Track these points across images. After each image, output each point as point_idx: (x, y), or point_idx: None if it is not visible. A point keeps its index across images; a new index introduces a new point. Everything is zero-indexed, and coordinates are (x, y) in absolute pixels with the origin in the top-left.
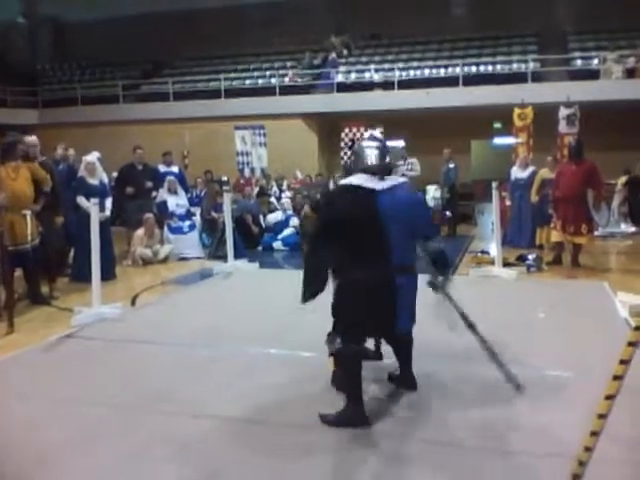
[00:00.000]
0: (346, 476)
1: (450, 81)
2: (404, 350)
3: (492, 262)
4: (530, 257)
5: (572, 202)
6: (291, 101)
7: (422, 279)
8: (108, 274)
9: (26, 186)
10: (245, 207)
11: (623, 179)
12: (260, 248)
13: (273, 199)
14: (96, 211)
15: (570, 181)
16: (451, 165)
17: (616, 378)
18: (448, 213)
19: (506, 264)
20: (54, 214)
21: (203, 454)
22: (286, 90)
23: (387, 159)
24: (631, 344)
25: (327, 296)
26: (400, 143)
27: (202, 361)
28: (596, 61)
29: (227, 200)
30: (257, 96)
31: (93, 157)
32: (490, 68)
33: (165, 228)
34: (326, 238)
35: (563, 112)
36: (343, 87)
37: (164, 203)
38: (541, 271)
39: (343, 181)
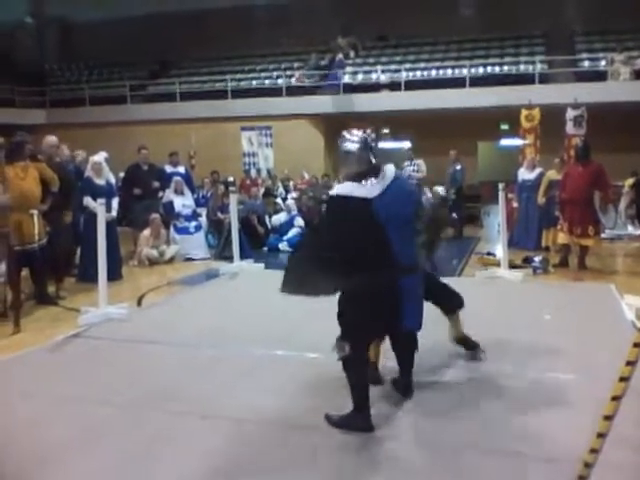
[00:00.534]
0: (350, 478)
1: (457, 82)
2: (407, 355)
3: (498, 264)
4: (536, 259)
5: (579, 204)
6: (298, 102)
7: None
8: (114, 274)
9: (34, 186)
10: (251, 208)
11: (630, 181)
12: (266, 249)
13: (279, 200)
14: (103, 211)
15: (577, 183)
16: (458, 166)
17: (622, 379)
18: (454, 215)
19: (512, 266)
20: (63, 212)
21: (208, 454)
22: (293, 91)
23: (373, 159)
24: (637, 345)
25: (333, 298)
26: (406, 144)
27: (208, 361)
28: (604, 62)
29: (233, 201)
30: (264, 97)
31: (100, 157)
32: (497, 69)
33: (171, 228)
34: (328, 243)
35: (570, 114)
36: (350, 88)
37: (170, 203)
38: (547, 273)
39: (333, 191)
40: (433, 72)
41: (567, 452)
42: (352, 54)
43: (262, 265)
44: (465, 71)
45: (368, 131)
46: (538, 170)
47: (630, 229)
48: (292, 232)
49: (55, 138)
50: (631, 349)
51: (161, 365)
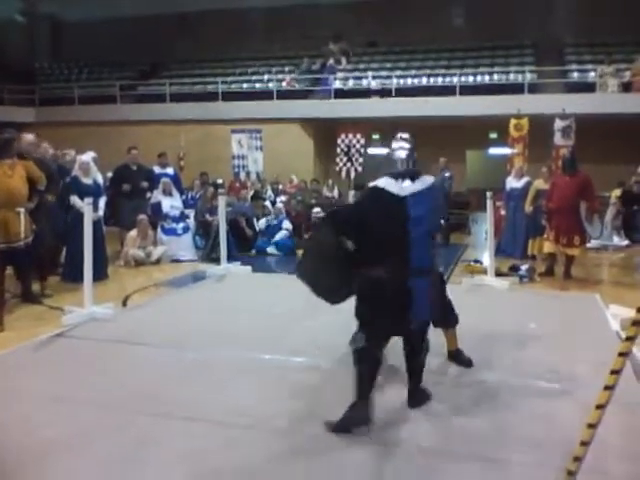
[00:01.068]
0: None
1: (447, 90)
2: (415, 360)
3: (485, 271)
4: (523, 267)
5: (565, 213)
6: (288, 106)
7: None
8: (100, 274)
9: (21, 184)
10: (239, 210)
11: (617, 192)
12: (254, 251)
13: (268, 203)
14: (90, 211)
15: (564, 192)
16: (447, 174)
17: (607, 388)
18: (442, 221)
19: (499, 274)
20: (48, 194)
21: (192, 457)
22: (284, 95)
23: (413, 164)
24: (622, 354)
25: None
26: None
27: (193, 364)
28: (592, 74)
29: (222, 203)
30: (254, 100)
31: (88, 157)
32: (487, 78)
33: (159, 229)
34: (350, 232)
35: (559, 124)
36: (340, 93)
37: (158, 204)
38: (533, 282)
39: (372, 183)
40: (424, 80)
41: (551, 460)
42: (343, 60)
43: (249, 268)
44: (455, 79)
45: (410, 137)
46: (525, 179)
47: (616, 240)
48: (280, 235)
49: (32, 136)
50: (616, 358)
51: (146, 366)
